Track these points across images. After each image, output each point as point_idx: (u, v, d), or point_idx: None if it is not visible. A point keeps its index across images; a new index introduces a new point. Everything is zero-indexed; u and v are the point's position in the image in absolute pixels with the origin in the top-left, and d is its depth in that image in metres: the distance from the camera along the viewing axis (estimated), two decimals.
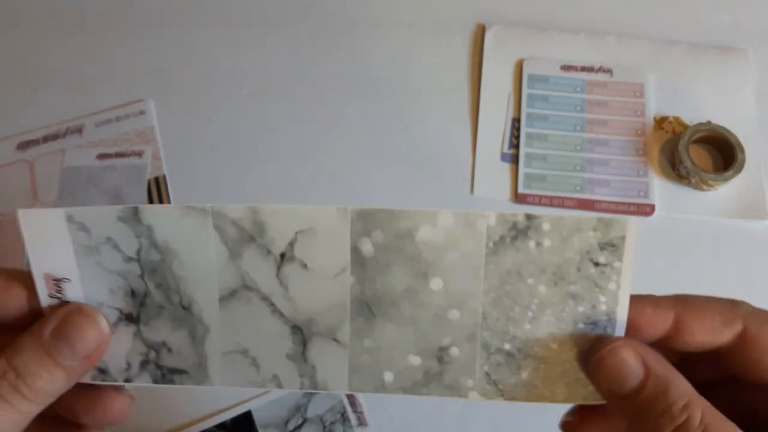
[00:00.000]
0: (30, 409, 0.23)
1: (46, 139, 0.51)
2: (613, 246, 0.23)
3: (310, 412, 0.43)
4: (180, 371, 0.25)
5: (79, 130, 0.51)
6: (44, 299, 0.25)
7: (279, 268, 0.24)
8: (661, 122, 0.51)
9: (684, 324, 0.23)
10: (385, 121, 0.52)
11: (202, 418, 0.43)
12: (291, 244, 0.24)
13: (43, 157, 0.50)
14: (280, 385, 0.25)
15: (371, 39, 0.55)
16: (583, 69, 0.53)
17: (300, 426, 0.42)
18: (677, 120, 0.51)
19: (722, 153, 0.49)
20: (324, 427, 0.42)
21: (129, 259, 0.24)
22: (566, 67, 0.53)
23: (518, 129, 0.51)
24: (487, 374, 0.25)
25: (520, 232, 0.23)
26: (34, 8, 0.57)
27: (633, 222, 0.23)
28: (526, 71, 0.53)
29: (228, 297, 0.25)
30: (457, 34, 0.55)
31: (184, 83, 0.53)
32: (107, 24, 0.56)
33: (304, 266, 0.24)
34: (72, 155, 0.50)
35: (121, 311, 0.25)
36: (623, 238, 0.23)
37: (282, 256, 0.24)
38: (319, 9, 0.56)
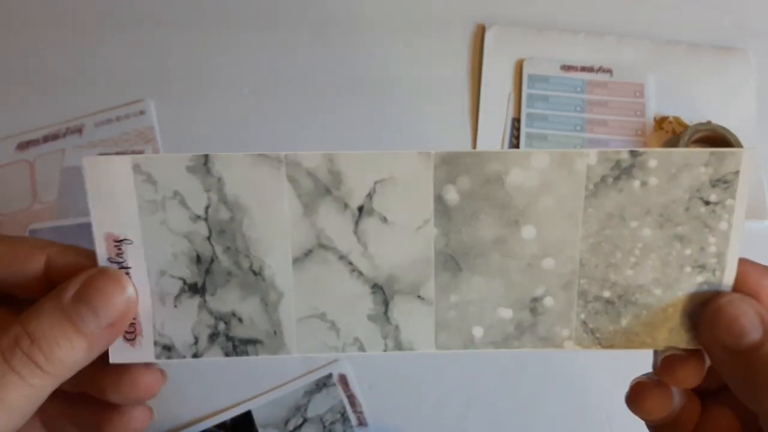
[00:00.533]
0: (44, 383, 0.20)
1: (46, 139, 0.51)
2: (725, 182, 0.22)
3: (310, 412, 0.43)
4: (254, 341, 0.24)
5: (79, 130, 0.51)
6: (103, 263, 0.23)
7: (357, 223, 0.23)
8: (661, 122, 0.51)
9: None
10: (384, 121, 0.52)
11: (202, 418, 0.43)
12: (369, 196, 0.22)
13: (43, 157, 0.50)
14: (362, 348, 0.24)
15: (371, 39, 0.55)
16: (583, 69, 0.53)
17: (300, 426, 0.42)
18: (677, 120, 0.51)
19: None
20: (324, 427, 0.42)
21: (196, 218, 0.23)
22: (566, 67, 0.53)
23: (518, 129, 0.51)
24: (584, 322, 0.23)
25: (623, 171, 0.22)
26: (33, 8, 0.57)
27: (750, 153, 0.22)
28: (526, 71, 0.53)
29: (302, 258, 0.23)
30: (457, 34, 0.55)
31: (184, 83, 0.53)
32: (107, 24, 0.56)
33: (384, 220, 0.23)
34: (72, 155, 0.50)
35: (184, 281, 0.23)
36: (737, 173, 0.22)
37: (360, 209, 0.23)
38: (318, 9, 0.56)
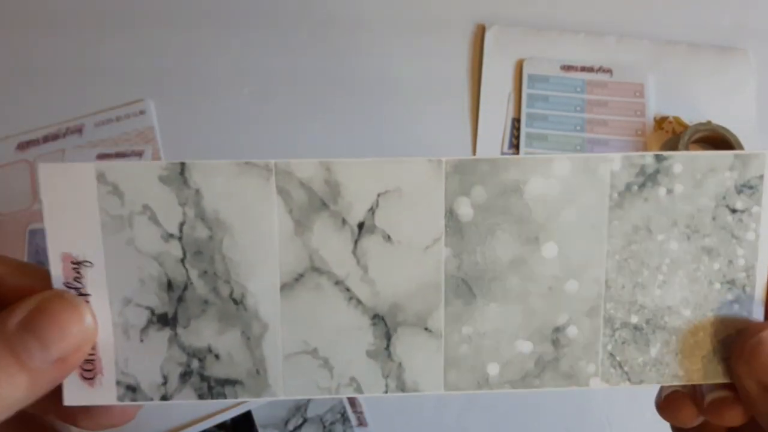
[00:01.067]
0: None
1: (46, 139, 0.51)
2: (750, 188, 0.20)
3: (310, 412, 0.43)
4: (232, 382, 0.21)
5: (79, 130, 0.51)
6: (59, 287, 0.20)
7: (356, 242, 0.20)
8: (661, 122, 0.51)
9: None
10: (384, 121, 0.52)
11: (202, 418, 0.43)
12: (371, 211, 0.20)
13: (43, 157, 0.50)
14: (359, 390, 0.21)
15: (371, 39, 0.55)
16: (583, 69, 0.53)
17: (300, 426, 0.42)
18: (677, 120, 0.51)
19: None
20: (324, 427, 0.42)
21: (169, 237, 0.20)
22: (566, 67, 0.53)
23: (518, 129, 0.51)
24: (611, 355, 0.21)
25: (648, 177, 0.20)
26: (33, 8, 0.56)
27: None
28: (526, 71, 0.53)
29: (292, 284, 0.20)
30: (457, 34, 0.55)
31: (184, 83, 0.53)
32: (107, 24, 0.56)
33: (388, 239, 0.20)
34: (72, 155, 0.50)
35: (153, 311, 0.20)
36: (762, 177, 0.20)
37: (360, 226, 0.20)
38: (318, 9, 0.56)
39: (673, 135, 0.50)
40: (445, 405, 0.44)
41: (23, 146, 0.51)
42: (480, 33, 0.55)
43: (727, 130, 0.49)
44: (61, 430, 0.22)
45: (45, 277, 0.20)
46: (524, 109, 0.51)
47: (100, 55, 0.54)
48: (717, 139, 0.49)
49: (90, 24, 0.56)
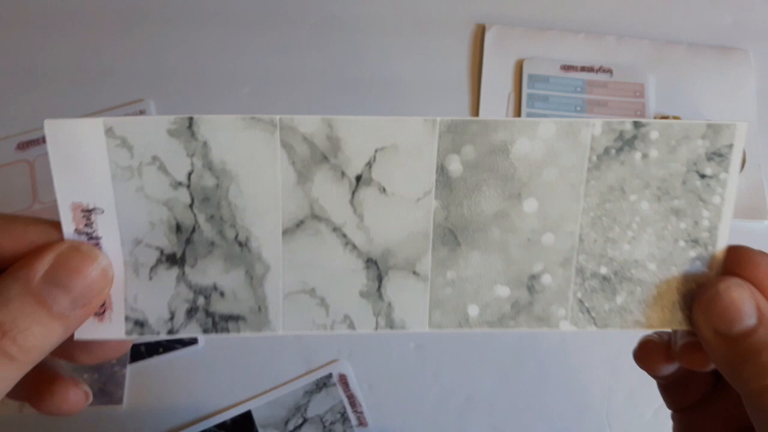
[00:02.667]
0: (18, 373, 0.19)
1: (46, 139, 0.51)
2: (720, 156, 0.22)
3: (310, 412, 0.43)
4: (236, 317, 0.22)
5: None
6: (69, 234, 0.21)
7: (353, 193, 0.21)
8: None
9: None
10: None
11: (202, 418, 0.43)
12: (369, 165, 0.21)
13: (43, 157, 0.50)
14: (352, 327, 0.22)
15: (371, 39, 0.55)
16: (583, 69, 0.53)
17: (300, 426, 0.42)
18: (677, 120, 0.51)
19: None
20: (324, 427, 0.42)
21: (177, 185, 0.21)
22: (566, 67, 0.53)
23: None
24: (581, 301, 0.23)
25: (626, 142, 0.22)
26: (33, 8, 0.57)
27: (743, 126, 0.22)
28: (526, 71, 0.53)
29: (293, 229, 0.22)
30: (457, 34, 0.55)
31: (184, 83, 0.53)
32: (107, 24, 0.56)
33: (383, 190, 0.22)
34: None
35: (162, 251, 0.21)
36: (731, 146, 0.22)
37: (358, 179, 0.21)
38: (318, 9, 0.56)
39: None
40: (445, 405, 0.44)
41: (23, 146, 0.51)
42: (480, 33, 0.55)
43: None
44: (51, 366, 0.23)
45: (57, 226, 0.21)
46: (524, 109, 0.51)
47: (101, 55, 0.54)
48: None
49: (90, 24, 0.56)
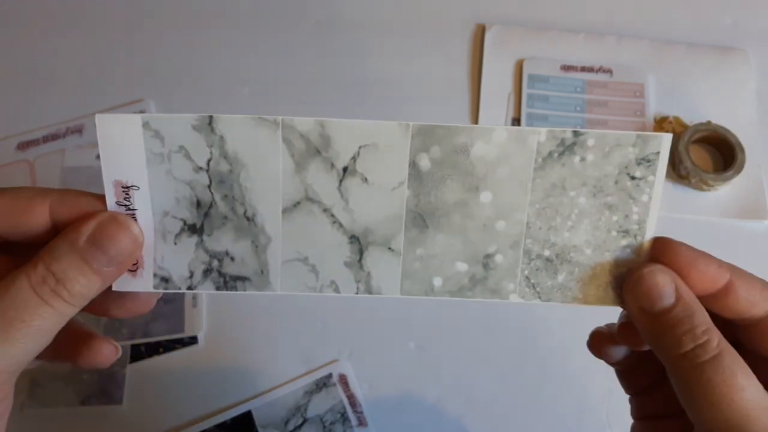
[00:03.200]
0: (69, 310, 0.24)
1: (46, 139, 0.51)
2: (648, 161, 0.25)
3: (310, 412, 0.43)
4: (242, 278, 0.27)
5: (79, 130, 0.51)
6: (111, 205, 0.25)
7: (341, 181, 0.26)
8: (661, 122, 0.51)
9: (734, 288, 0.25)
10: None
11: (202, 418, 0.43)
12: (354, 158, 0.25)
13: (43, 157, 0.50)
14: (337, 290, 0.27)
15: (371, 39, 0.55)
16: (583, 69, 0.53)
17: (300, 426, 0.43)
18: (677, 120, 0.51)
19: (722, 153, 0.49)
20: (324, 427, 0.42)
21: (198, 169, 0.26)
22: (566, 67, 0.53)
23: None
24: (527, 278, 0.27)
25: (567, 148, 0.25)
26: (33, 8, 0.57)
27: (668, 138, 0.25)
28: (526, 71, 0.53)
29: (291, 208, 0.26)
30: (457, 34, 0.55)
31: (184, 83, 0.53)
32: (107, 24, 0.56)
33: (365, 180, 0.26)
34: (72, 155, 0.50)
35: (185, 222, 0.26)
36: (658, 153, 0.25)
37: (344, 169, 0.26)
38: (318, 9, 0.56)
39: (673, 135, 0.50)
40: (445, 405, 0.44)
41: (23, 146, 0.51)
42: (480, 33, 0.55)
43: (727, 130, 0.49)
44: (86, 327, 0.29)
45: (91, 199, 0.26)
46: (524, 109, 0.52)
47: (100, 55, 0.54)
48: (717, 139, 0.49)
49: (90, 25, 0.56)
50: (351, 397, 0.43)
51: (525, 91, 0.52)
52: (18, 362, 0.23)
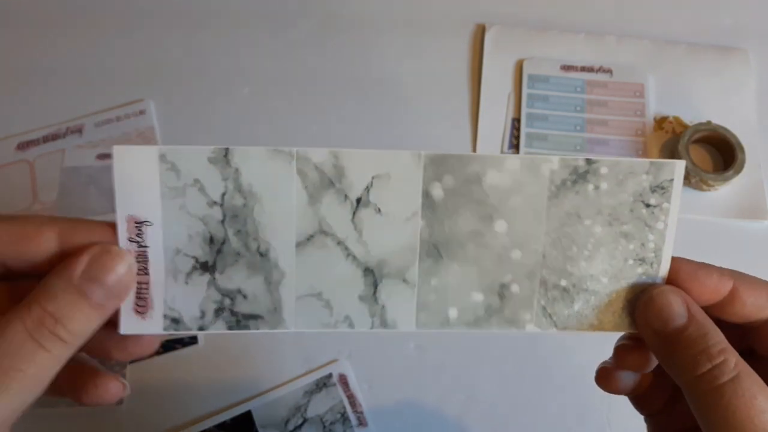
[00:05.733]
0: (67, 353, 0.23)
1: (46, 139, 0.51)
2: (662, 188, 0.25)
3: (310, 412, 0.43)
4: (255, 317, 0.26)
5: (79, 130, 0.51)
6: (123, 242, 0.25)
7: (354, 213, 0.25)
8: (661, 122, 0.51)
9: (739, 294, 0.25)
10: (384, 122, 0.52)
11: (202, 418, 0.43)
12: (367, 189, 0.25)
13: (43, 157, 0.50)
14: (352, 326, 0.26)
15: (371, 39, 0.55)
16: (583, 69, 0.53)
17: (300, 426, 0.42)
18: (677, 120, 0.51)
19: (722, 153, 0.49)
20: (324, 427, 0.42)
21: (212, 203, 0.25)
22: (566, 67, 0.53)
23: (518, 129, 0.51)
24: (544, 308, 0.26)
25: (580, 176, 0.25)
26: (33, 8, 0.57)
27: (681, 164, 0.25)
28: (526, 71, 0.53)
29: (305, 242, 0.26)
30: (457, 34, 0.55)
31: (184, 83, 0.53)
32: (107, 24, 0.56)
33: (378, 211, 0.25)
34: (72, 155, 0.50)
35: (197, 260, 0.25)
36: (672, 180, 0.25)
37: (358, 201, 0.25)
38: (318, 9, 0.56)
39: (673, 135, 0.50)
40: (445, 405, 0.44)
41: (23, 146, 0.51)
42: (480, 33, 0.55)
43: (727, 130, 0.49)
44: (92, 363, 0.28)
45: (98, 229, 0.25)
46: (524, 109, 0.51)
47: (100, 55, 0.54)
48: (717, 139, 0.49)
49: (90, 24, 0.56)
50: (351, 397, 0.43)
51: (525, 91, 0.52)
52: (13, 411, 0.22)
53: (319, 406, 0.43)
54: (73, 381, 0.27)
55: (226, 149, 0.25)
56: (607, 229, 0.26)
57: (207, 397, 0.43)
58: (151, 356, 0.44)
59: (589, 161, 0.25)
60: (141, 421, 0.43)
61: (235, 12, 0.56)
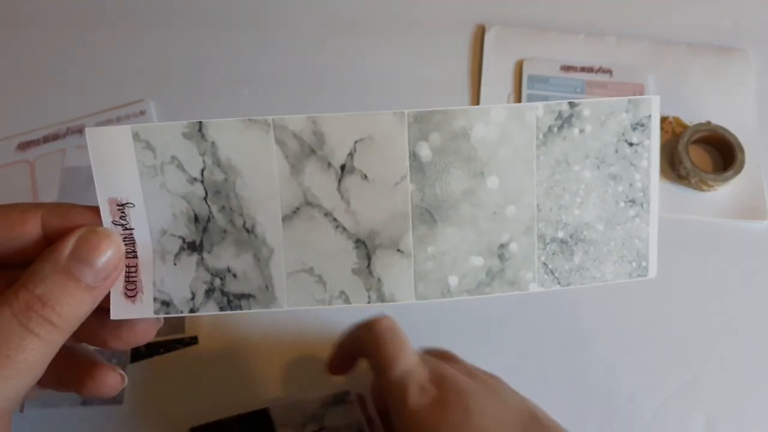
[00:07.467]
0: (59, 337, 0.22)
1: (46, 139, 0.51)
2: (642, 125, 0.25)
3: (328, 422, 0.41)
4: (246, 296, 0.25)
5: (79, 130, 0.51)
6: (108, 225, 0.24)
7: (339, 181, 0.24)
8: (661, 122, 0.51)
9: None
10: None
11: (202, 418, 0.43)
12: (350, 155, 0.24)
13: (43, 157, 0.50)
14: (347, 301, 0.25)
15: (371, 39, 0.55)
16: (583, 69, 0.53)
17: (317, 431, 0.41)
18: (677, 120, 0.51)
19: (722, 153, 0.49)
20: None
21: (193, 180, 0.24)
22: (566, 68, 0.53)
23: None
24: (545, 264, 0.26)
25: (565, 120, 0.25)
26: (34, 8, 0.57)
27: (656, 99, 0.25)
28: (526, 71, 0.53)
29: (291, 215, 0.24)
30: (457, 34, 0.55)
31: (184, 83, 0.53)
32: (107, 24, 0.56)
33: (364, 177, 0.24)
34: (72, 155, 0.50)
35: (183, 240, 0.25)
36: (650, 116, 0.25)
37: (342, 168, 0.24)
38: (319, 9, 0.56)
39: (672, 135, 0.50)
40: None
41: (23, 146, 0.51)
42: (480, 33, 0.55)
43: (727, 131, 0.49)
44: (90, 355, 0.27)
45: (82, 211, 0.24)
46: None
47: (100, 55, 0.54)
48: (717, 140, 0.49)
49: (90, 24, 0.56)
50: (369, 420, 0.41)
51: (525, 91, 0.52)
52: (9, 400, 0.22)
53: (336, 419, 0.42)
54: (72, 373, 0.26)
55: (200, 123, 0.24)
56: (596, 172, 0.25)
57: (207, 397, 0.43)
58: (151, 356, 0.44)
59: (572, 104, 0.25)
60: (141, 421, 0.43)
61: (235, 12, 0.56)
